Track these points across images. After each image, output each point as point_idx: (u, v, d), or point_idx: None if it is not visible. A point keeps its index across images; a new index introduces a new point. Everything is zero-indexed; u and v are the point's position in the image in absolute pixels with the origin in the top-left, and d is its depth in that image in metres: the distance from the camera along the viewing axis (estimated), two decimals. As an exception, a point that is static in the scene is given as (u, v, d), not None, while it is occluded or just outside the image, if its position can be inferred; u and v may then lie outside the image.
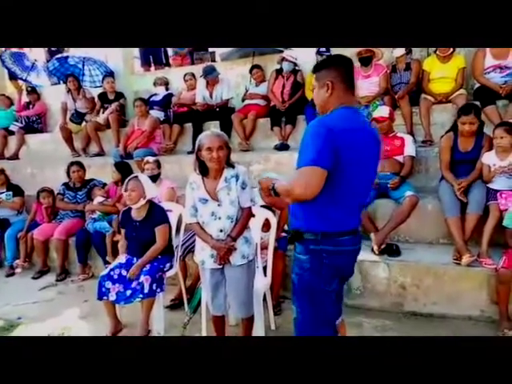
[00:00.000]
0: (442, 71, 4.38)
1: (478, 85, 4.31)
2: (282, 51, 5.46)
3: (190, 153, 5.16)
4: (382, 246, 3.37)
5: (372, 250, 3.38)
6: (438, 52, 4.42)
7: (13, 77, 7.24)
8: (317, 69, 1.91)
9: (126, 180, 3.16)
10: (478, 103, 3.85)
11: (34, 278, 4.50)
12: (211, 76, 5.37)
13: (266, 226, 3.11)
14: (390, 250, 3.37)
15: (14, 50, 7.11)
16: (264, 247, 3.13)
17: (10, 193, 5.02)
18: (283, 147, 4.86)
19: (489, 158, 3.29)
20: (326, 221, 1.79)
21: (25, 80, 7.09)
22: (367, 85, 4.65)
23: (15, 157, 6.45)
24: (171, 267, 3.27)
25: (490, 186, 3.27)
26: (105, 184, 4.67)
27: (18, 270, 4.64)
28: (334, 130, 1.68)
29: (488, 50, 4.23)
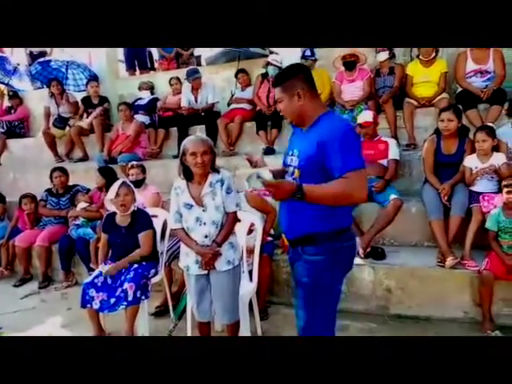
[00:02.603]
0: (425, 75, 4.44)
1: (460, 89, 4.39)
2: (267, 55, 5.48)
3: (175, 157, 5.12)
4: (367, 250, 3.39)
5: (357, 253, 3.39)
6: (420, 56, 4.48)
7: (-6, 81, 7.11)
8: (280, 81, 1.91)
9: (116, 186, 3.08)
10: (460, 107, 3.92)
11: (15, 285, 4.41)
12: (192, 77, 5.36)
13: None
14: (375, 254, 3.39)
15: (-4, 54, 7.01)
16: (249, 250, 3.11)
17: (-9, 199, 4.91)
18: (269, 151, 4.86)
19: (471, 161, 3.34)
20: (337, 218, 1.86)
21: (7, 84, 6.96)
22: (352, 89, 4.70)
23: (-4, 162, 6.33)
24: (156, 273, 3.23)
25: (473, 188, 3.32)
26: (88, 190, 4.60)
27: None
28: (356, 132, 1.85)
29: (469, 54, 4.31)
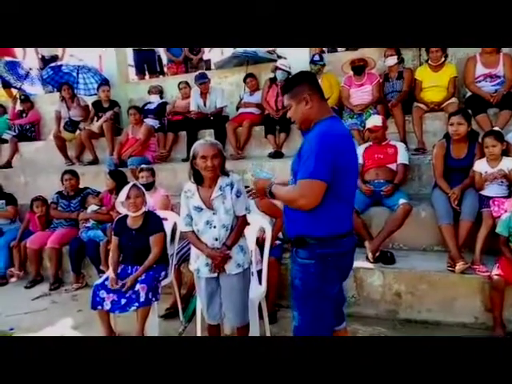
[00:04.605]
0: (434, 80, 4.44)
1: (469, 93, 4.38)
2: (275, 60, 5.52)
3: (184, 160, 5.16)
4: (377, 254, 3.38)
5: (367, 257, 3.39)
6: (429, 61, 4.48)
7: (6, 85, 7.21)
8: (288, 88, 2.00)
9: (127, 188, 3.12)
10: (469, 111, 3.91)
11: (26, 287, 4.45)
12: (199, 81, 5.42)
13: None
14: (385, 258, 3.38)
15: (9, 58, 7.10)
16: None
17: (3, 201, 4.98)
18: (277, 155, 4.89)
19: (480, 166, 3.33)
20: (329, 225, 1.89)
21: (19, 89, 7.07)
22: (360, 93, 4.71)
23: (8, 165, 6.39)
24: (166, 276, 3.26)
25: (483, 193, 3.31)
26: (99, 192, 4.65)
27: (13, 279, 4.60)
28: (334, 141, 1.83)
29: (478, 59, 4.31)
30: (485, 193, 3.30)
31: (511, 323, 2.94)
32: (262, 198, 2.07)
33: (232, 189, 2.41)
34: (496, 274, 2.88)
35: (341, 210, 1.91)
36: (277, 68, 5.11)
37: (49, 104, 6.87)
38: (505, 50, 4.30)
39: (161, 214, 3.44)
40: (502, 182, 3.25)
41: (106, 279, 3.05)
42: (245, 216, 2.48)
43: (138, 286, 2.92)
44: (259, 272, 3.07)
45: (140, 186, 3.23)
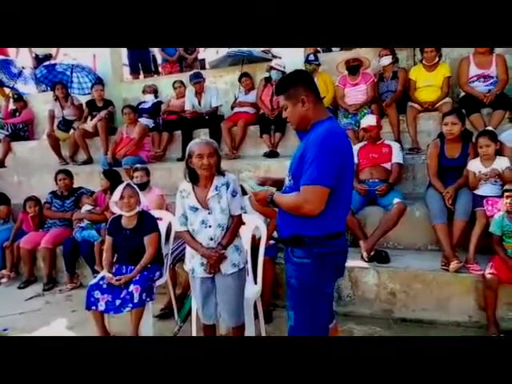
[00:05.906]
0: (428, 80, 4.46)
1: (463, 93, 4.41)
2: (270, 60, 5.52)
3: (179, 160, 5.15)
4: (372, 253, 3.40)
5: (361, 257, 3.40)
6: (424, 61, 4.50)
7: (-1, 84, 7.16)
8: (283, 89, 1.94)
9: (121, 188, 3.10)
10: (463, 111, 3.93)
11: (20, 287, 4.42)
12: (194, 80, 5.41)
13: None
14: (379, 257, 3.39)
15: (1, 57, 7.05)
16: None
17: (-4, 201, 4.94)
18: (272, 155, 4.89)
19: (474, 165, 3.35)
20: (326, 224, 1.88)
21: (12, 88, 7.02)
22: (355, 93, 4.72)
23: (1, 165, 6.34)
24: (161, 276, 3.25)
25: (477, 192, 3.33)
26: (93, 192, 4.63)
27: (4, 280, 4.56)
28: (337, 143, 1.82)
29: (472, 59, 4.33)
30: (478, 192, 3.32)
31: (504, 321, 2.96)
32: (263, 207, 2.06)
33: (228, 188, 2.40)
34: (489, 273, 2.90)
35: (338, 210, 1.90)
36: (271, 68, 5.11)
37: (42, 103, 6.82)
38: (498, 50, 4.33)
39: (155, 213, 3.43)
40: (495, 181, 3.28)
41: (101, 279, 3.03)
42: (240, 215, 2.48)
43: (131, 287, 2.90)
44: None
45: (134, 186, 3.22)
